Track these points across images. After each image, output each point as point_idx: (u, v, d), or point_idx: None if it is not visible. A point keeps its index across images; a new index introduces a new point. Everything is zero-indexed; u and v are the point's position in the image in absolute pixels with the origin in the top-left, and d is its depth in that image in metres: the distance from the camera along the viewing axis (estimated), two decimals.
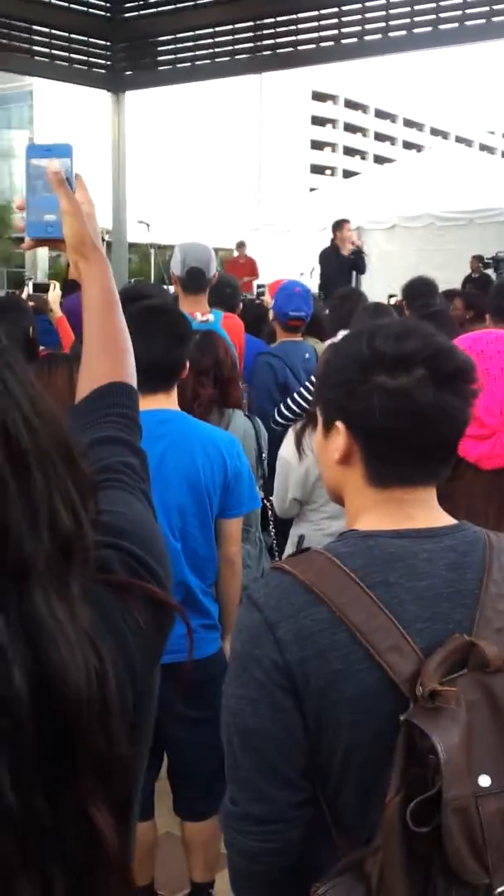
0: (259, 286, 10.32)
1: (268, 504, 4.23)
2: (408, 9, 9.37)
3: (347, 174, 61.83)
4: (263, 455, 4.22)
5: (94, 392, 1.35)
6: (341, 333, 5.68)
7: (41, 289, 5.32)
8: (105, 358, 1.41)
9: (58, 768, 0.82)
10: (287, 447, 4.00)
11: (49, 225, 1.47)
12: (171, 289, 5.62)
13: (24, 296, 5.02)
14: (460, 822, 1.31)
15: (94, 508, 0.97)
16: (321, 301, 7.76)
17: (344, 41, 10.01)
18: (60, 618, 0.84)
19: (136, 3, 11.15)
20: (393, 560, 1.47)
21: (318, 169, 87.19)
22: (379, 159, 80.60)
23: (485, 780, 1.35)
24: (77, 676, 0.83)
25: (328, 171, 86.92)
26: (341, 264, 12.21)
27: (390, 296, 8.42)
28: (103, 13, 11.15)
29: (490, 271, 12.92)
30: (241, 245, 16.43)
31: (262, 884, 1.53)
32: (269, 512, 4.26)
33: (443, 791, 1.30)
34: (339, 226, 12.57)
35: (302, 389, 4.76)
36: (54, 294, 5.38)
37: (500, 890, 1.37)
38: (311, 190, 39.80)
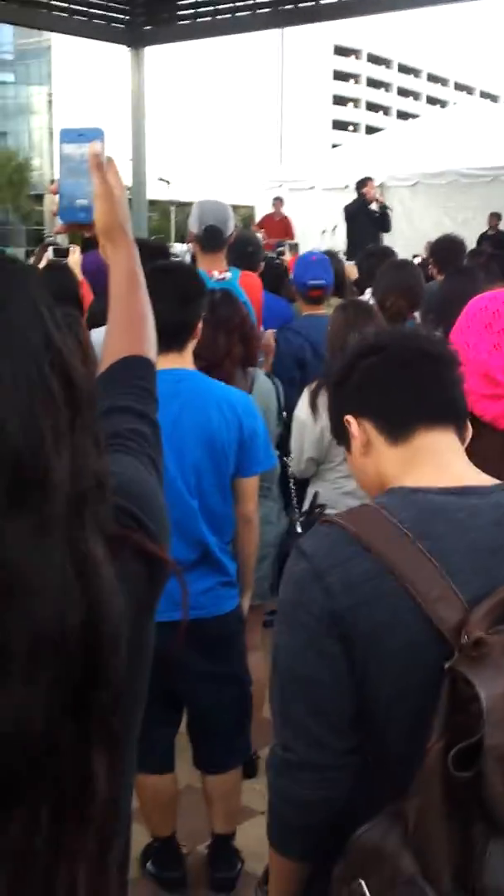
0: (279, 244, 10.25)
1: (287, 462, 4.24)
2: None
3: (370, 130, 61.19)
4: (284, 414, 4.23)
5: (112, 365, 1.40)
6: (368, 291, 5.66)
7: (61, 254, 5.32)
8: (125, 335, 1.45)
9: (80, 703, 0.86)
10: (302, 408, 4.00)
11: (81, 210, 1.52)
12: (190, 246, 5.58)
13: (44, 261, 5.00)
14: (502, 770, 1.33)
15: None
16: (345, 259, 7.67)
17: None
18: (102, 559, 0.89)
19: None
20: (439, 513, 1.50)
21: (340, 125, 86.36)
22: (402, 115, 79.69)
23: None
24: (117, 616, 0.88)
25: (351, 128, 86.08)
26: (367, 222, 12.13)
27: (414, 256, 8.35)
28: None
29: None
30: (278, 200, 16.16)
31: (310, 833, 1.56)
32: (289, 470, 4.27)
33: (485, 738, 1.31)
34: (364, 183, 12.47)
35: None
36: (74, 258, 5.37)
37: None
38: (334, 146, 39.39)
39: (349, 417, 1.67)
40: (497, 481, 1.60)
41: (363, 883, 1.40)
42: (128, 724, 1.08)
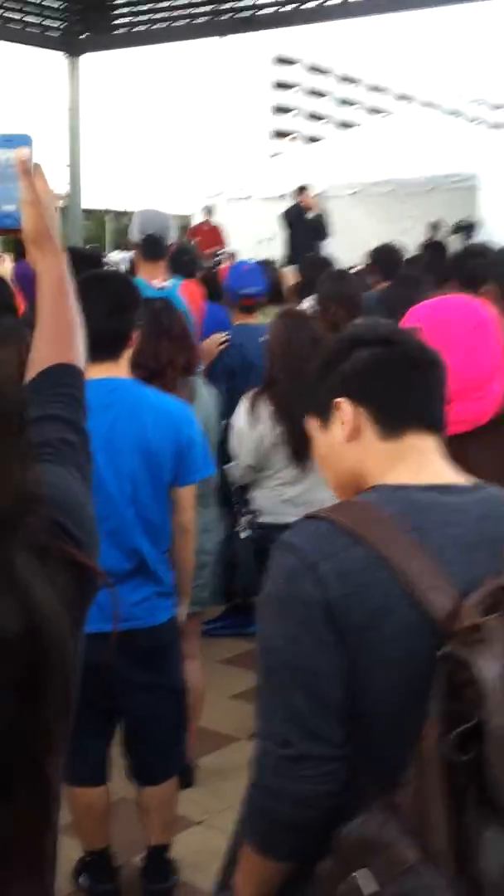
0: (217, 253, 10.29)
1: (225, 470, 4.25)
2: None
3: (310, 140, 61.56)
4: (224, 422, 4.24)
5: (39, 373, 1.38)
6: (307, 301, 5.69)
7: None
8: (54, 343, 1.44)
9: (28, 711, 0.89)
10: (240, 415, 4.01)
11: (7, 216, 1.49)
12: (129, 255, 5.58)
13: None
14: (502, 753, 1.33)
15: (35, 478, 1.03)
16: (283, 267, 7.71)
17: (304, 6, 9.93)
18: (32, 572, 0.91)
19: None
20: (425, 509, 1.53)
21: (280, 134, 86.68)
22: (342, 124, 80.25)
23: None
24: (58, 624, 0.91)
25: (291, 137, 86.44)
26: (305, 229, 12.21)
27: (350, 267, 8.40)
28: None
29: (454, 238, 12.94)
30: (207, 210, 16.17)
31: (299, 831, 1.53)
32: (227, 478, 4.28)
33: (486, 720, 1.32)
34: (300, 191, 12.55)
35: None
36: (4, 267, 5.35)
37: None
38: (274, 155, 39.51)
39: (342, 401, 1.65)
40: (470, 481, 1.63)
41: (360, 876, 1.40)
42: (59, 743, 1.07)
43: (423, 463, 1.62)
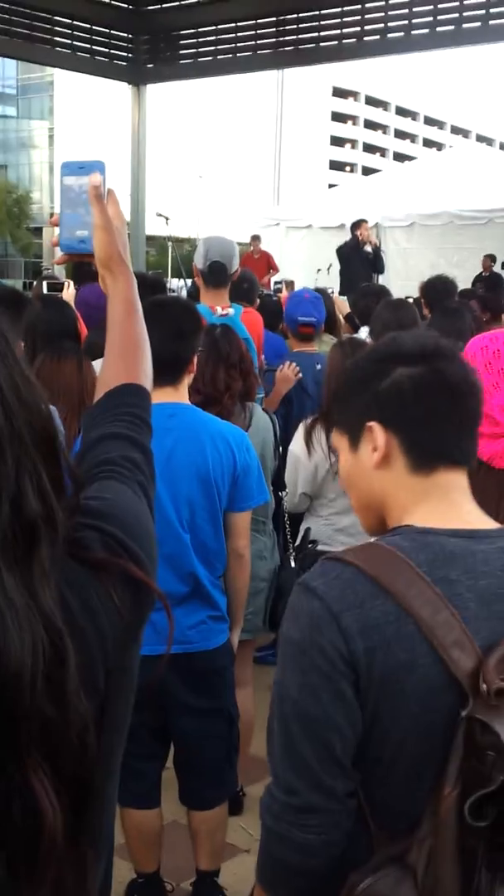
0: (276, 282, 10.36)
1: (282, 497, 4.26)
2: (430, 7, 9.35)
3: (367, 171, 61.71)
4: (280, 449, 4.26)
5: (106, 394, 1.41)
6: (363, 330, 5.70)
7: (56, 288, 5.36)
8: (120, 363, 1.46)
9: (3, 742, 0.87)
10: (297, 442, 4.02)
11: (81, 241, 1.54)
12: (190, 281, 5.63)
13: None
14: None
15: (75, 498, 1.05)
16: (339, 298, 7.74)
17: (366, 38, 9.99)
18: (10, 594, 0.88)
19: None
20: (453, 558, 1.48)
21: (337, 165, 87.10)
22: (399, 157, 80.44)
23: None
24: (20, 652, 0.87)
25: (348, 168, 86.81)
26: (363, 261, 12.24)
27: (407, 297, 8.43)
28: (126, 5, 11.16)
29: (496, 269, 12.92)
30: (255, 238, 16.27)
31: (307, 877, 1.51)
32: (284, 505, 4.28)
33: None
34: (358, 224, 12.60)
35: None
36: (68, 293, 5.42)
37: None
38: (331, 186, 39.68)
39: (375, 425, 1.58)
40: (499, 525, 1.60)
41: None
42: (109, 750, 1.08)
43: (451, 504, 1.57)
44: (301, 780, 1.46)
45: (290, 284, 11.48)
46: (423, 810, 1.41)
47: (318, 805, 1.46)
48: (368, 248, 12.35)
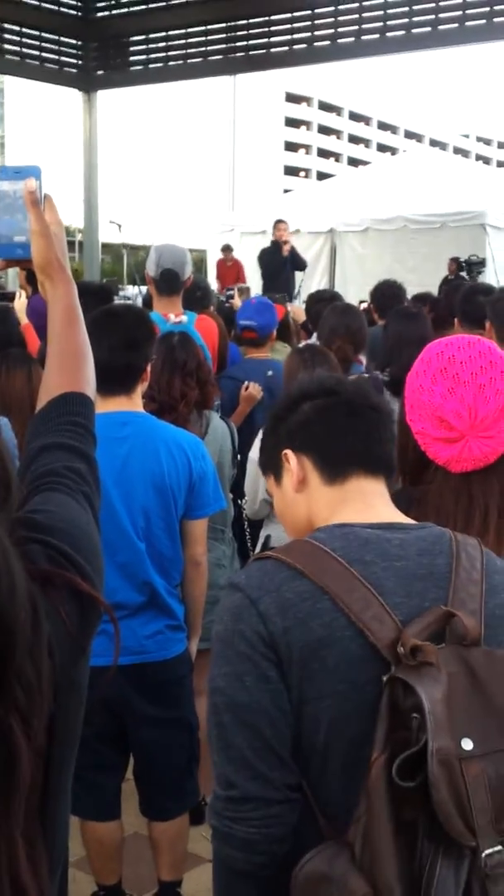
0: (228, 289, 10.39)
1: (241, 505, 4.25)
2: (381, 12, 9.43)
3: (322, 176, 62.02)
4: (238, 457, 4.24)
5: (48, 403, 1.40)
6: (314, 336, 5.71)
7: (6, 298, 5.34)
8: (63, 371, 1.45)
9: None
10: (256, 449, 4.01)
11: (19, 246, 1.52)
12: (145, 289, 5.61)
13: None
14: (446, 777, 1.33)
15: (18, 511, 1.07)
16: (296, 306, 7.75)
17: (317, 43, 10.05)
18: (6, 545, 0.93)
19: (109, 3, 11.15)
20: (367, 543, 1.54)
21: (292, 170, 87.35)
22: (353, 161, 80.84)
23: (467, 744, 1.37)
24: (20, 601, 0.92)
25: (302, 173, 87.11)
26: (284, 262, 12.38)
27: (360, 301, 8.45)
28: (75, 12, 11.14)
29: (463, 274, 12.96)
30: (227, 248, 16.38)
31: (256, 879, 1.51)
32: (244, 513, 4.27)
33: (428, 742, 1.32)
34: (275, 226, 12.71)
35: None
36: (20, 302, 5.38)
37: (487, 852, 1.37)
38: (285, 191, 39.82)
39: (288, 452, 1.71)
40: (413, 522, 1.66)
41: None
42: (59, 761, 1.08)
43: (367, 505, 1.65)
44: (237, 772, 1.47)
45: (244, 291, 11.48)
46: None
47: (255, 794, 1.46)
48: (286, 249, 12.44)
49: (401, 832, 1.36)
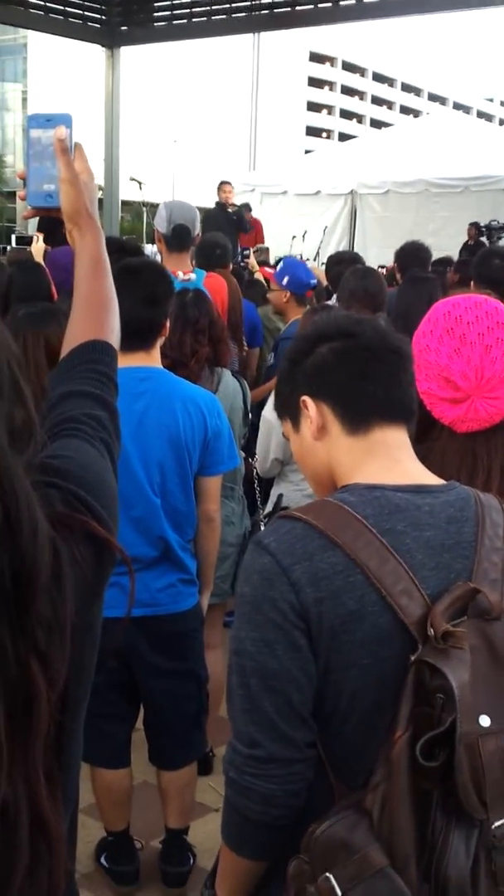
0: (243, 249, 10.32)
1: (252, 463, 4.27)
2: None
3: (343, 137, 61.37)
4: (249, 415, 4.26)
5: (72, 350, 1.40)
6: (334, 298, 5.70)
7: (24, 241, 5.32)
8: (89, 319, 1.45)
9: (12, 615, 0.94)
10: (270, 408, 4.03)
11: (48, 195, 1.51)
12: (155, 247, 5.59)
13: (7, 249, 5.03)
14: (468, 758, 1.37)
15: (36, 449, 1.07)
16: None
17: (342, 2, 9.93)
18: (29, 489, 0.95)
19: None
20: (399, 510, 1.52)
21: (313, 131, 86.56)
22: (376, 123, 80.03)
23: (485, 721, 1.40)
24: (42, 545, 0.95)
25: (324, 134, 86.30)
26: (228, 222, 12.23)
27: (379, 266, 8.40)
28: None
29: (483, 239, 12.86)
30: (247, 208, 16.24)
31: (270, 830, 1.55)
32: (254, 471, 4.30)
33: (456, 727, 1.35)
34: (220, 186, 12.52)
35: None
36: (37, 246, 5.36)
37: (497, 824, 1.41)
38: (307, 152, 39.43)
39: (307, 398, 1.67)
40: (443, 481, 1.64)
41: (331, 877, 1.41)
42: (76, 702, 1.10)
43: (393, 460, 1.62)
44: (263, 732, 1.49)
45: (263, 251, 11.42)
46: (378, 760, 1.44)
47: (280, 755, 1.49)
48: (231, 209, 12.29)
49: (417, 805, 1.40)
